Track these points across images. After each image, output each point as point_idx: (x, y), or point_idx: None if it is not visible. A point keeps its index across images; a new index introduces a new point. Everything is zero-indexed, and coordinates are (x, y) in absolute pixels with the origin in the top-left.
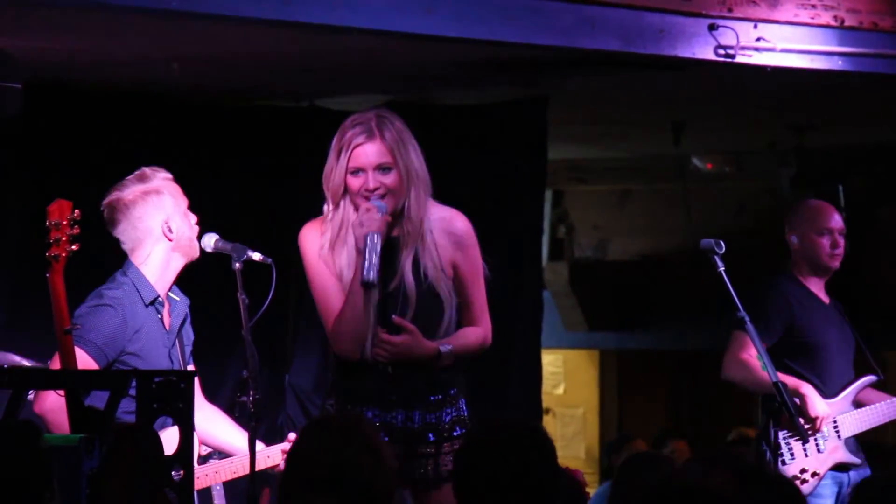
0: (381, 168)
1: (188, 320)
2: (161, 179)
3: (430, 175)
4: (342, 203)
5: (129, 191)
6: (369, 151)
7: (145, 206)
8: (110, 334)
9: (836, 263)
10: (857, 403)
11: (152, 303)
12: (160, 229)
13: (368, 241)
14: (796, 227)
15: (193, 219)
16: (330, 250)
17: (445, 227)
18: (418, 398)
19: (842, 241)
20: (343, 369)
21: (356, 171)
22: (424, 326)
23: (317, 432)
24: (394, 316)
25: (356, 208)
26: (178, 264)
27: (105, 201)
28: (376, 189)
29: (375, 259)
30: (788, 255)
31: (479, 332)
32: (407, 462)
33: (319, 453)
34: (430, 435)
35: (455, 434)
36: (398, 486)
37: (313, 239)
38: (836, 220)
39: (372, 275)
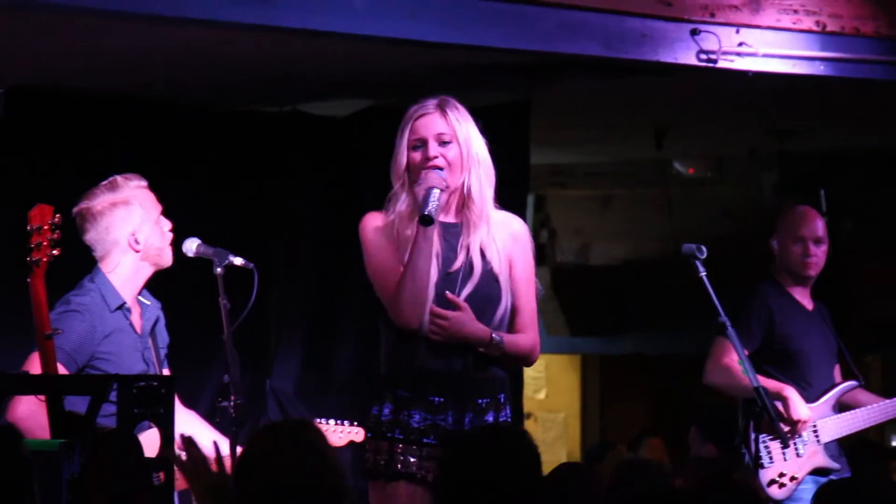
0: (442, 141)
1: (161, 323)
2: (132, 188)
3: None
4: (404, 182)
5: (98, 201)
6: (429, 122)
7: (112, 217)
8: (79, 340)
9: (810, 272)
10: (846, 406)
11: (119, 308)
12: (126, 241)
13: (430, 192)
14: (776, 234)
15: (167, 225)
16: (394, 232)
17: (505, 226)
18: (466, 396)
19: (815, 250)
20: (397, 360)
21: (416, 145)
22: (480, 311)
23: (266, 437)
24: (447, 293)
25: (414, 184)
26: (146, 272)
27: (75, 210)
28: (435, 158)
29: (437, 203)
30: (772, 261)
31: (529, 340)
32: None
33: (269, 458)
34: None
35: None
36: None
37: (374, 224)
38: (812, 229)
39: (432, 209)
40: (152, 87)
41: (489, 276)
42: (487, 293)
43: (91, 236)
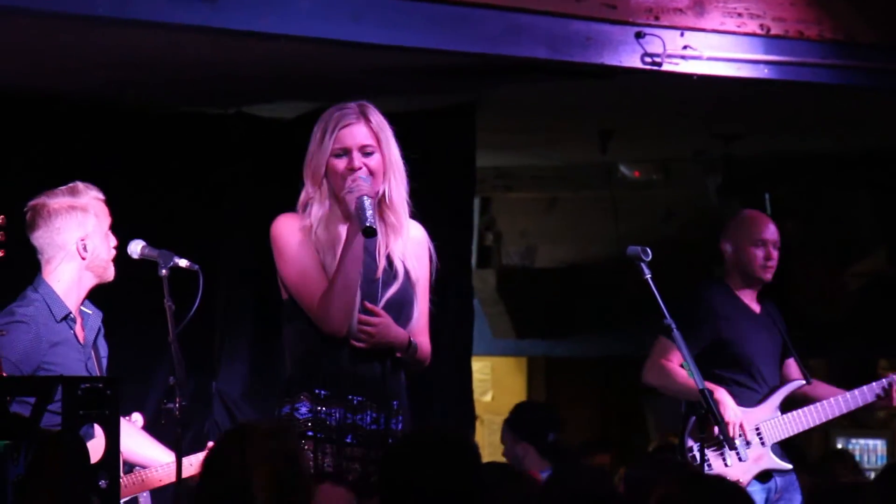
0: (365, 151)
1: (101, 333)
2: (91, 198)
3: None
4: (322, 187)
5: (57, 200)
6: (355, 133)
7: (67, 219)
8: (24, 350)
9: (769, 275)
10: (805, 401)
11: (64, 318)
12: (75, 246)
13: (362, 201)
14: (731, 237)
15: (113, 242)
16: (312, 235)
17: (412, 232)
18: (384, 398)
19: (775, 254)
20: (315, 359)
21: (340, 154)
22: (397, 316)
23: (232, 441)
24: (366, 302)
25: (336, 191)
26: (88, 283)
27: (31, 203)
28: (360, 169)
29: (372, 211)
30: (718, 263)
31: (427, 344)
32: (364, 467)
33: (233, 462)
34: (390, 440)
35: None
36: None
37: (290, 224)
38: (772, 232)
39: (373, 221)
40: (96, 89)
41: (407, 282)
42: (405, 298)
43: (40, 234)
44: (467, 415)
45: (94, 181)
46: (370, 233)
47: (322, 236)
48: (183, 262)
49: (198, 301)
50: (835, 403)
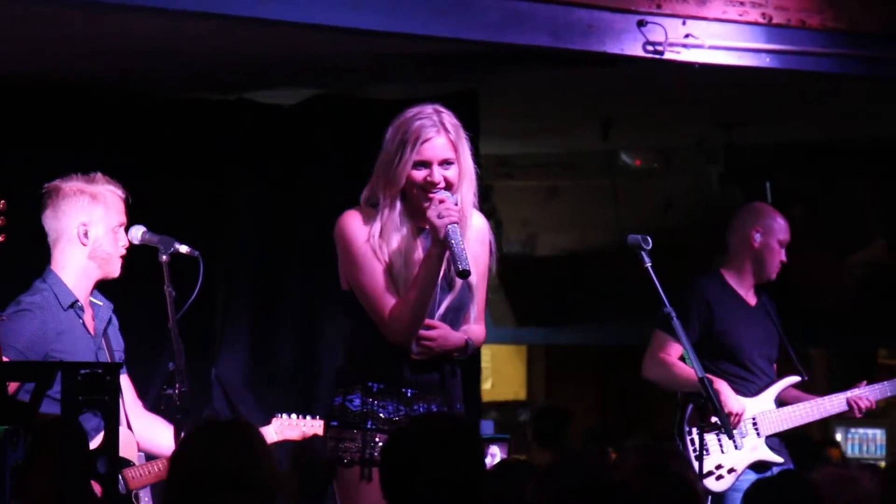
0: (446, 162)
1: (115, 325)
2: (105, 189)
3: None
4: (398, 195)
5: (69, 184)
6: (437, 146)
7: (73, 202)
8: (30, 338)
9: (775, 275)
10: (781, 402)
11: (71, 306)
12: (75, 231)
13: (452, 233)
14: (762, 227)
15: (123, 241)
16: (380, 239)
17: (473, 226)
18: (448, 403)
19: (785, 258)
20: (373, 353)
21: (421, 165)
22: (454, 320)
23: (203, 437)
24: (427, 319)
25: (411, 198)
26: (94, 274)
27: (47, 185)
28: (439, 183)
29: (462, 248)
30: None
31: (482, 330)
32: None
33: (202, 458)
34: None
35: None
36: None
37: (359, 226)
38: (789, 238)
39: (467, 263)
40: (98, 75)
41: (465, 286)
42: (463, 301)
43: (48, 214)
44: (475, 403)
45: (93, 167)
46: (465, 275)
47: (391, 242)
48: (183, 249)
49: (198, 287)
50: (828, 401)
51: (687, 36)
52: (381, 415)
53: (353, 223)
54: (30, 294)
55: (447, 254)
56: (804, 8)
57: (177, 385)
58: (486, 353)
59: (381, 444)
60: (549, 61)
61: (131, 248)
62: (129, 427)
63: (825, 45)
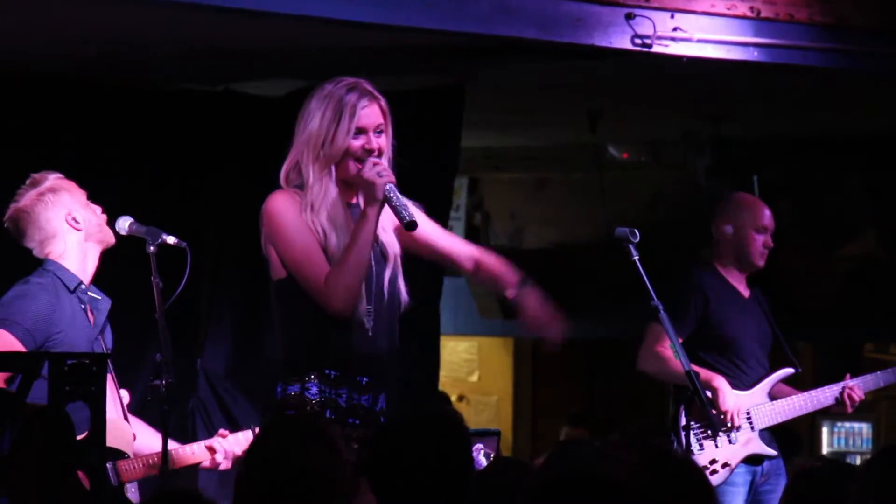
0: (378, 130)
1: (108, 325)
2: (52, 179)
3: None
4: (330, 168)
5: (25, 199)
6: (371, 113)
7: (44, 206)
8: (37, 315)
9: (763, 262)
10: (772, 397)
11: (76, 288)
12: (65, 223)
13: (391, 190)
14: (732, 219)
15: (98, 209)
16: (312, 213)
17: None
18: (386, 378)
19: (770, 242)
20: (324, 339)
21: (359, 133)
22: (394, 288)
23: (280, 432)
24: None
25: (342, 169)
26: (94, 254)
27: (5, 218)
28: (376, 150)
29: (404, 202)
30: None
31: (471, 247)
32: (362, 447)
33: (284, 453)
34: (382, 419)
35: None
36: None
37: (289, 202)
38: (771, 219)
39: (412, 215)
40: (83, 65)
41: (395, 259)
42: (395, 273)
43: (30, 233)
44: (433, 392)
45: (79, 158)
46: (412, 226)
47: (324, 216)
48: (171, 240)
49: (185, 278)
50: (829, 392)
51: (675, 29)
52: (339, 402)
53: (283, 201)
54: (35, 276)
55: (380, 213)
56: (792, 2)
57: (164, 376)
58: (474, 345)
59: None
60: (537, 54)
61: (118, 238)
62: (126, 419)
63: (813, 39)
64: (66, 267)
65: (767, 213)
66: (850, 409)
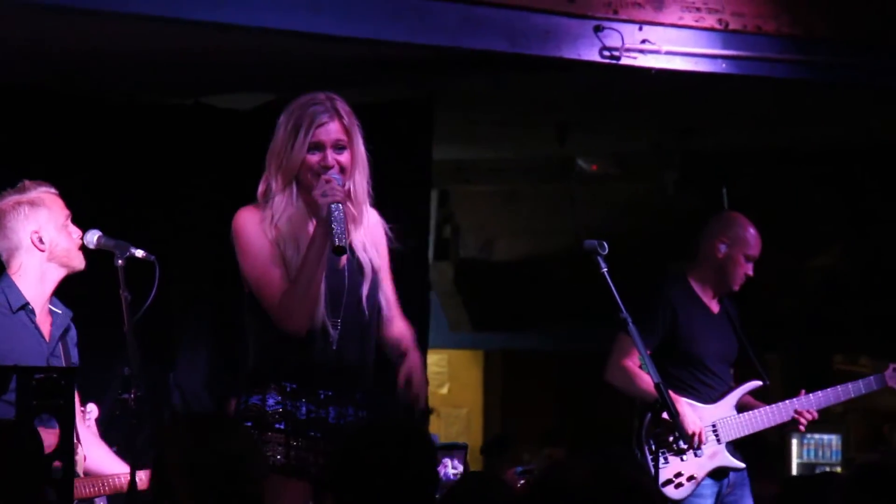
0: (338, 146)
1: (73, 338)
2: (40, 192)
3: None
4: (292, 182)
5: (4, 201)
6: (330, 129)
7: (16, 216)
8: None
9: (738, 289)
10: (739, 409)
11: (21, 308)
12: (30, 240)
13: (335, 210)
14: (728, 240)
15: (76, 232)
16: (275, 228)
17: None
18: (351, 391)
19: (752, 273)
20: (283, 351)
21: (314, 149)
22: (373, 305)
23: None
24: None
25: (305, 185)
26: (55, 275)
27: None
28: (333, 166)
29: (343, 226)
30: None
31: (407, 326)
32: (326, 461)
33: (198, 450)
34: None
35: None
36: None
37: (252, 218)
38: (759, 252)
39: (344, 240)
40: (51, 78)
41: (374, 275)
42: (374, 289)
43: None
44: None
45: (49, 170)
46: (341, 252)
47: (285, 229)
48: (139, 253)
49: (154, 292)
50: (790, 405)
51: (643, 42)
52: (297, 416)
53: (247, 217)
54: None
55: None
56: (760, 14)
57: (132, 390)
58: (444, 358)
59: (301, 452)
60: (506, 66)
61: (86, 252)
62: (77, 440)
63: (781, 51)
64: (18, 286)
65: (760, 244)
66: (802, 428)
